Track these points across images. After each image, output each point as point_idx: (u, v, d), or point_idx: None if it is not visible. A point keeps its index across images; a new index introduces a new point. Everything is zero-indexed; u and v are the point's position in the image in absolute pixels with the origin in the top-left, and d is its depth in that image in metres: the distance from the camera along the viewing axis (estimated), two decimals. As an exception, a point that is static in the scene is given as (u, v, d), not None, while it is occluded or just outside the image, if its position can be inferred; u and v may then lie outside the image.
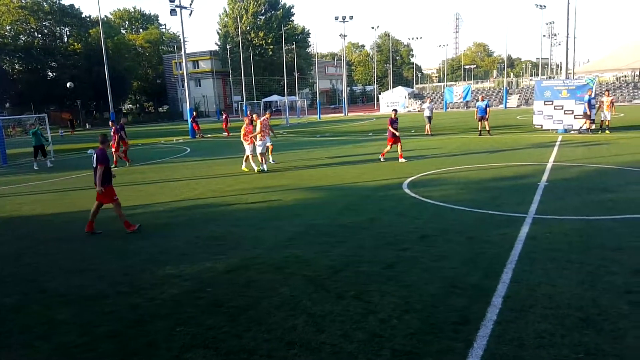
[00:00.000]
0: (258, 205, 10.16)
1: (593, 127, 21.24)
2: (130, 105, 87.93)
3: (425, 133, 24.25)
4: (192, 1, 33.39)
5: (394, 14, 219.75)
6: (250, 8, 74.26)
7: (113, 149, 17.60)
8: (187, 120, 34.87)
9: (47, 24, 68.60)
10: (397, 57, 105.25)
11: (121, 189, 13.01)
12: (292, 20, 79.85)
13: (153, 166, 18.12)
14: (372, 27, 71.58)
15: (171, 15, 32.73)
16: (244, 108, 44.33)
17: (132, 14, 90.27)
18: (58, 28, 70.37)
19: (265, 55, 74.37)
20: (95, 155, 8.35)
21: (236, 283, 5.89)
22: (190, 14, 33.74)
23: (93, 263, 6.97)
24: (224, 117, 34.46)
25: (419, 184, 11.46)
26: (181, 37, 34.57)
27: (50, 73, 70.32)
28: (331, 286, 5.59)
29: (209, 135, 32.94)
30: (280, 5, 77.66)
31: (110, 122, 20.36)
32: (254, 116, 15.23)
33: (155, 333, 4.72)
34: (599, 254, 6.20)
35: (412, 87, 74.33)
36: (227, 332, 4.66)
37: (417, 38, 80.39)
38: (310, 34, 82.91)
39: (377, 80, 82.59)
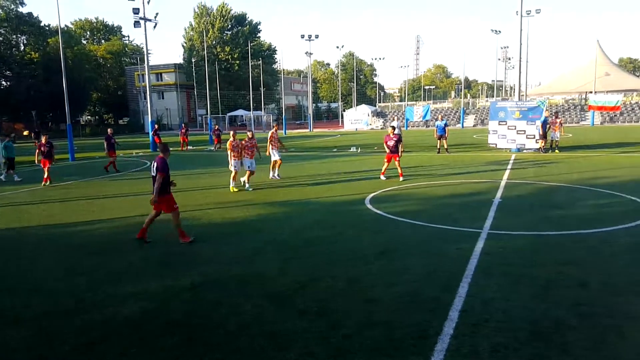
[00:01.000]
0: (220, 221, 10.06)
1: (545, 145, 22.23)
2: (89, 117, 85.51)
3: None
4: (156, 14, 33.13)
5: (358, 34, 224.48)
6: (217, 23, 74.14)
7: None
8: (148, 133, 34.24)
9: (3, 32, 66.18)
10: (361, 76, 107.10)
11: (75, 204, 12.66)
12: (259, 37, 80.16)
13: (111, 180, 17.65)
14: (337, 47, 73.11)
15: (135, 27, 32.32)
16: (208, 122, 43.91)
17: (94, 24, 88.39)
18: (14, 36, 67.94)
19: (231, 70, 74.17)
20: (155, 164, 8.24)
21: (195, 301, 5.80)
22: (154, 27, 33.39)
23: (43, 282, 6.70)
24: (183, 130, 33.52)
25: (381, 199, 11.65)
26: (144, 49, 34.06)
27: (4, 82, 67.66)
28: (294, 302, 5.60)
29: (171, 149, 32.41)
30: (247, 21, 77.88)
31: (108, 130, 20.99)
32: (274, 126, 16.58)
33: (107, 356, 4.57)
34: (550, 268, 6.47)
35: (375, 106, 75.65)
36: (184, 353, 4.57)
37: (380, 58, 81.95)
38: (276, 50, 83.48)
39: (341, 98, 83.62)
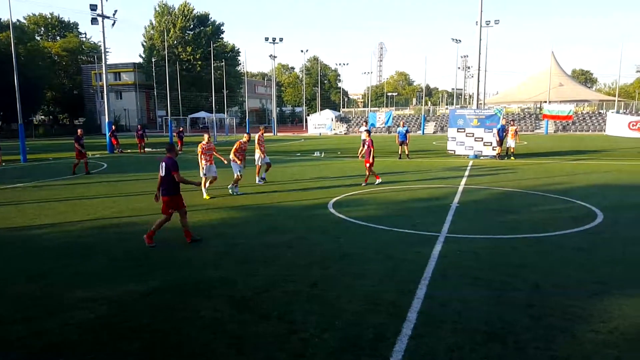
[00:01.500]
0: (180, 225, 9.85)
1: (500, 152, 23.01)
2: (43, 117, 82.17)
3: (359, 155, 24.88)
4: (115, 11, 32.23)
5: (322, 39, 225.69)
6: (178, 22, 72.88)
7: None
8: (105, 134, 33.23)
9: (-52, 25, 62.90)
10: (325, 81, 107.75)
11: (28, 206, 12.13)
12: (222, 38, 79.28)
13: (65, 182, 17.02)
14: (302, 51, 73.09)
15: (92, 24, 31.33)
16: (168, 123, 43.01)
17: (49, 20, 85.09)
18: (-39, 30, 64.69)
19: (193, 71, 73.02)
20: (164, 164, 8.18)
21: (155, 307, 5.68)
22: (112, 24, 32.48)
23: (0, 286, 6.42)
24: (139, 132, 31.83)
25: (343, 204, 11.73)
26: (102, 47, 33.09)
27: (-51, 79, 64.13)
28: (255, 307, 5.57)
29: (129, 151, 31.59)
30: (209, 22, 76.93)
31: (78, 131, 19.97)
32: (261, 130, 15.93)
33: (64, 361, 4.42)
34: (504, 271, 6.69)
35: (339, 111, 76.20)
36: (143, 359, 4.47)
37: (344, 64, 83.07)
38: (240, 52, 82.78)
39: (306, 102, 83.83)
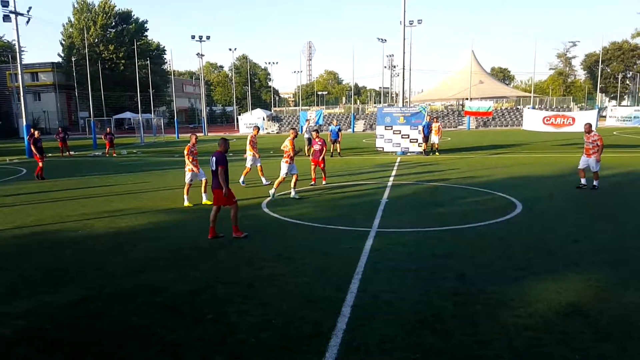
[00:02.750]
0: (105, 231, 9.41)
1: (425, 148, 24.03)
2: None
3: (306, 155, 24.94)
4: (29, 8, 29.99)
5: (251, 38, 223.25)
6: (99, 20, 69.18)
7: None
8: (23, 138, 30.89)
9: None
10: (256, 80, 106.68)
11: None
12: (146, 36, 76.26)
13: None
14: (230, 49, 71.76)
15: (4, 21, 28.98)
16: (91, 125, 40.72)
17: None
18: None
19: (116, 70, 69.62)
20: (214, 158, 8.35)
21: (80, 317, 5.39)
22: (27, 22, 30.18)
23: None
24: (60, 135, 29.73)
25: (277, 203, 11.72)
26: (17, 46, 30.69)
27: None
28: (187, 311, 5.44)
29: (49, 155, 29.59)
30: (132, 19, 73.72)
31: (35, 133, 18.59)
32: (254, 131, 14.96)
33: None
34: (432, 261, 7.02)
35: (271, 110, 75.91)
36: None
37: (273, 63, 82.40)
38: (165, 50, 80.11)
39: (236, 102, 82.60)
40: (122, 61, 69.32)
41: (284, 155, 12.63)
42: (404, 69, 29.86)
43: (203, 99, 61.50)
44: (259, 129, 15.78)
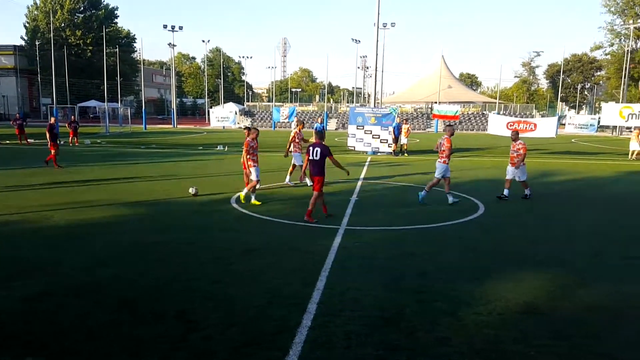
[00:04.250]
0: (66, 223, 9.15)
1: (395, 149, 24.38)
2: None
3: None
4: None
5: (225, 30, 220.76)
6: (67, 4, 66.92)
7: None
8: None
9: None
10: (229, 73, 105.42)
11: None
12: (116, 22, 74.31)
13: None
14: (203, 41, 70.64)
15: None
16: (54, 112, 39.38)
17: None
18: None
19: (83, 57, 67.51)
20: (319, 149, 9.37)
21: (37, 313, 5.22)
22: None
23: None
24: (17, 121, 28.19)
25: (246, 199, 11.63)
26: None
27: None
28: (151, 307, 5.36)
29: (7, 142, 28.53)
30: (102, 5, 71.67)
31: (51, 119, 18.52)
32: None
33: None
34: (398, 259, 7.14)
35: (243, 104, 75.23)
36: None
37: (248, 57, 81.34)
38: (136, 39, 78.22)
39: (208, 94, 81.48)
40: (90, 47, 67.32)
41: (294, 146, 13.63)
42: (376, 70, 30.15)
43: (173, 90, 60.42)
44: (303, 124, 15.42)
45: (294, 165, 14.10)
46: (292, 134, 14.47)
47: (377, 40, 28.44)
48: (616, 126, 44.12)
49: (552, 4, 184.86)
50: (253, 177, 11.12)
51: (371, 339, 4.68)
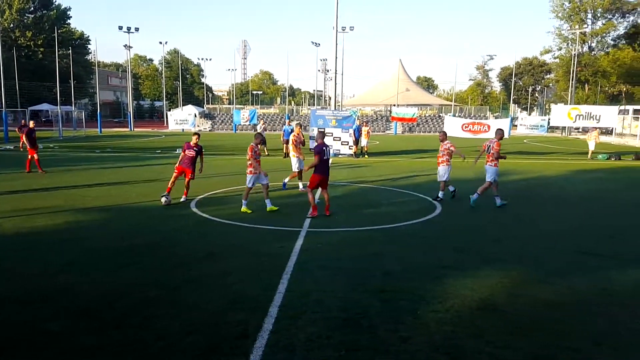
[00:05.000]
0: (17, 231, 8.74)
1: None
2: None
3: (266, 154, 24.52)
4: None
5: (183, 32, 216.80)
6: (15, 4, 63.98)
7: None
8: None
9: None
10: (188, 76, 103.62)
11: None
12: (69, 24, 71.79)
13: None
14: (161, 42, 69.16)
15: None
16: (3, 116, 37.55)
17: None
18: None
19: (34, 58, 64.84)
20: (329, 148, 10.20)
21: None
22: None
23: None
24: None
25: (206, 202, 11.49)
26: None
27: None
28: (110, 316, 5.20)
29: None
30: (53, 5, 69.05)
31: (30, 123, 17.57)
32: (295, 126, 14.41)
33: None
34: (360, 260, 7.21)
35: (203, 107, 74.14)
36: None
37: (207, 59, 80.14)
38: (90, 40, 75.87)
39: (166, 97, 79.80)
40: (41, 49, 64.69)
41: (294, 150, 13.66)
42: (335, 73, 30.40)
43: (130, 92, 58.87)
44: (301, 126, 15.16)
45: (300, 170, 13.57)
46: (291, 138, 14.34)
47: (337, 44, 28.73)
48: (565, 127, 46.11)
49: (504, 9, 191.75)
50: (249, 183, 10.73)
51: (333, 340, 4.70)
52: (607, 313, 5.44)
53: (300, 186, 13.37)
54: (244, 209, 10.50)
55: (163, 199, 11.18)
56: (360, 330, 4.93)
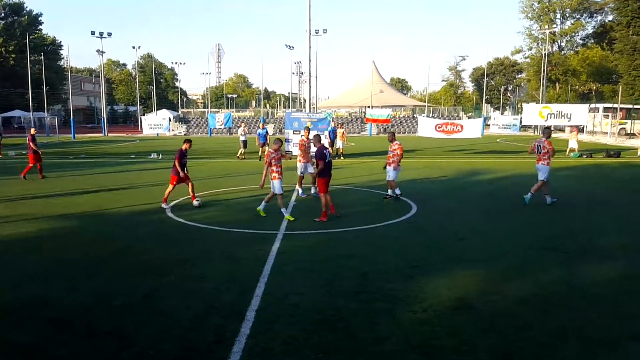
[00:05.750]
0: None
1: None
2: None
3: (238, 157, 24.26)
4: None
5: (156, 37, 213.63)
6: (-16, 10, 62.48)
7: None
8: None
9: None
10: (162, 80, 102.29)
11: None
12: (40, 29, 70.38)
13: None
14: (134, 47, 67.95)
15: None
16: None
17: None
18: None
19: (5, 65, 63.28)
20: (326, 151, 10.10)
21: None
22: None
23: None
24: None
25: (183, 207, 11.35)
26: None
27: None
28: (80, 325, 5.09)
29: None
30: (24, 11, 67.49)
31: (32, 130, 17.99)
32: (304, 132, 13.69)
33: None
34: (336, 262, 7.21)
35: (178, 111, 73.29)
36: None
37: (181, 63, 79.24)
38: (62, 45, 74.41)
39: (140, 101, 78.55)
40: (13, 55, 63.27)
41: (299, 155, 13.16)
42: (310, 76, 30.45)
43: (103, 97, 57.74)
44: (309, 130, 14.82)
45: (313, 176, 12.56)
46: (299, 142, 13.87)
47: (310, 47, 28.83)
48: (537, 125, 47.12)
49: (474, 10, 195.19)
50: (276, 190, 10.27)
51: (310, 342, 4.69)
52: (572, 307, 5.57)
53: (300, 191, 13.11)
54: (287, 216, 9.99)
55: (195, 202, 11.34)
56: (337, 332, 4.93)
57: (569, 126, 29.37)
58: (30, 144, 16.98)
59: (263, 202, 10.50)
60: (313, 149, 11.26)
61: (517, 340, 4.80)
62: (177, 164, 11.25)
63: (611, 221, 10.21)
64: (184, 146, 11.40)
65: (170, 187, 11.37)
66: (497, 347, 4.66)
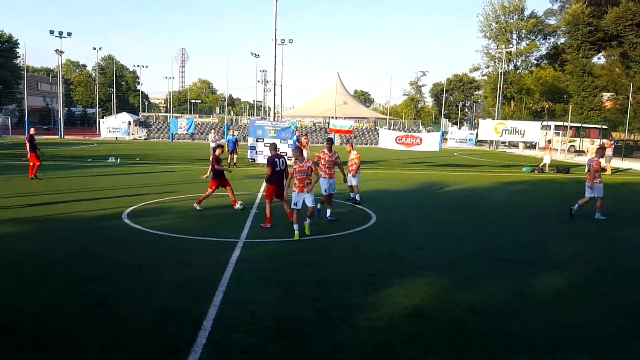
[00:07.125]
0: None
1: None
2: None
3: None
4: None
5: (118, 38, 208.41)
6: None
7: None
8: None
9: None
10: (123, 82, 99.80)
11: None
12: (-5, 26, 67.62)
13: None
14: (94, 48, 66.06)
15: None
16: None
17: None
18: None
19: (-45, 62, 60.33)
20: (283, 160, 10.17)
21: None
22: None
23: None
24: None
25: (139, 213, 11.11)
26: None
27: None
28: (28, 333, 4.91)
29: None
30: (-23, 6, 64.75)
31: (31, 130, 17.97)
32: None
33: None
34: (295, 270, 7.25)
35: (139, 115, 71.65)
36: None
37: (143, 66, 77.65)
38: (19, 44, 71.51)
39: (100, 104, 76.29)
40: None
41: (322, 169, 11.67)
42: (274, 85, 30.53)
43: (61, 98, 55.82)
44: (307, 135, 14.93)
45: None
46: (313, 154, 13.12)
47: (275, 56, 28.98)
48: (492, 140, 48.76)
49: (436, 28, 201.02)
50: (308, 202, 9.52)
51: (267, 351, 4.70)
52: (522, 317, 5.79)
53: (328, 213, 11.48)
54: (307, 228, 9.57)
55: (237, 205, 11.81)
56: (294, 340, 4.96)
57: (547, 142, 30.66)
58: (29, 143, 16.90)
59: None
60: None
61: (466, 349, 4.95)
62: (216, 167, 11.86)
63: (558, 233, 10.70)
64: (217, 151, 12.34)
65: (210, 191, 12.01)
66: (446, 354, 4.78)
